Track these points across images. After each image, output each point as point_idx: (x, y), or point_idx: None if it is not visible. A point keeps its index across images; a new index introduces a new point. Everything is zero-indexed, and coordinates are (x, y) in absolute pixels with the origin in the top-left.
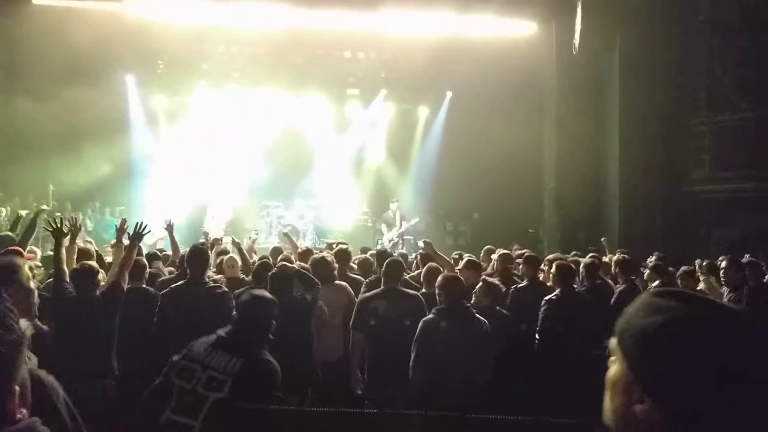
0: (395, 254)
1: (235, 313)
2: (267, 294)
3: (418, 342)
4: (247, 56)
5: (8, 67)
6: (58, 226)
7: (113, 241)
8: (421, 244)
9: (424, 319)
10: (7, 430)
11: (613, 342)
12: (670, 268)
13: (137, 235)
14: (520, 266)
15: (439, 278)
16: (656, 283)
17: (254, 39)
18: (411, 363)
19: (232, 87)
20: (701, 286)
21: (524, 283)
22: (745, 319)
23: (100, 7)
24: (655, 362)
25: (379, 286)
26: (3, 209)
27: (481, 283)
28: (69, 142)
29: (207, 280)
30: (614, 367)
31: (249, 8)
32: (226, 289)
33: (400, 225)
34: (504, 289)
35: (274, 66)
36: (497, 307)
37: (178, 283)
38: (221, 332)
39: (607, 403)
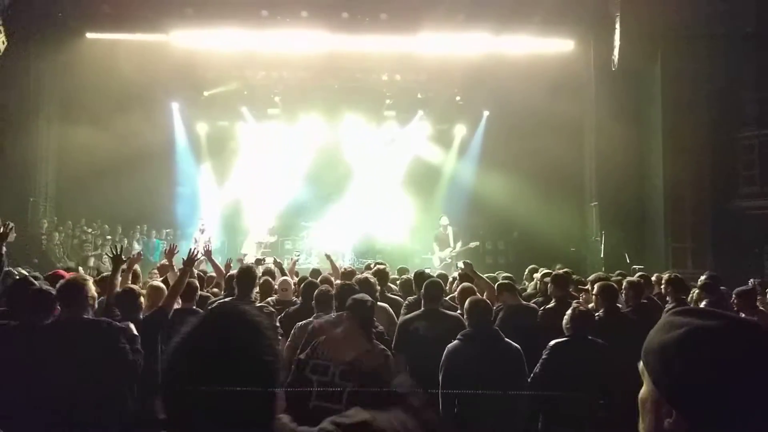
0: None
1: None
2: (366, 296)
3: (443, 369)
4: (287, 81)
5: (64, 98)
6: (118, 253)
7: (159, 263)
8: (461, 264)
9: (448, 345)
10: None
11: (640, 364)
12: (722, 287)
13: (190, 261)
14: (548, 285)
15: (467, 302)
16: (704, 303)
17: (293, 64)
18: (440, 392)
19: (272, 111)
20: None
21: (552, 304)
22: (757, 329)
23: (147, 39)
24: (674, 375)
25: (419, 307)
26: (56, 234)
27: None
28: (119, 168)
29: (254, 298)
30: (643, 388)
31: (288, 34)
32: (273, 310)
33: (454, 245)
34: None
35: (312, 90)
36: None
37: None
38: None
39: (640, 424)
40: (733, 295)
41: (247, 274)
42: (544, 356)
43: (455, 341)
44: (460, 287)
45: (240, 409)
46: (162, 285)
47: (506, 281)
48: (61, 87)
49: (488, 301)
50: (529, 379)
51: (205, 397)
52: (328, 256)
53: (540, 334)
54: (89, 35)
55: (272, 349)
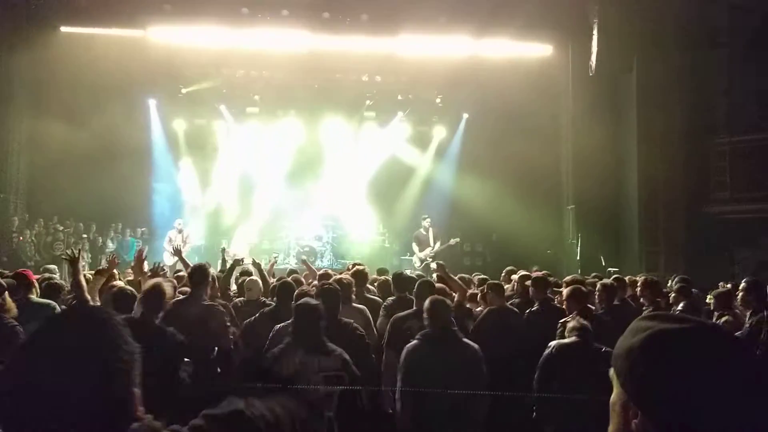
0: (425, 275)
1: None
2: (309, 299)
3: (402, 369)
4: (266, 80)
5: (37, 93)
6: (75, 255)
7: (133, 263)
8: (434, 265)
9: (407, 345)
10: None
11: (611, 369)
12: (694, 290)
13: (139, 261)
14: (530, 288)
15: (426, 301)
16: (681, 305)
17: (273, 63)
18: (397, 394)
19: (251, 110)
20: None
21: (536, 307)
22: (719, 332)
23: (124, 35)
24: (638, 377)
25: (399, 308)
26: (28, 231)
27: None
28: (93, 164)
29: (204, 297)
30: (613, 391)
31: (268, 33)
32: (222, 309)
33: (434, 244)
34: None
35: (292, 89)
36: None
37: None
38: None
39: (610, 427)
40: (711, 297)
41: (197, 271)
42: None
43: (414, 341)
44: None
45: (81, 412)
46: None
47: (494, 282)
48: (33, 81)
49: (447, 301)
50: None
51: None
52: (304, 261)
53: (529, 336)
54: (64, 29)
55: (118, 350)
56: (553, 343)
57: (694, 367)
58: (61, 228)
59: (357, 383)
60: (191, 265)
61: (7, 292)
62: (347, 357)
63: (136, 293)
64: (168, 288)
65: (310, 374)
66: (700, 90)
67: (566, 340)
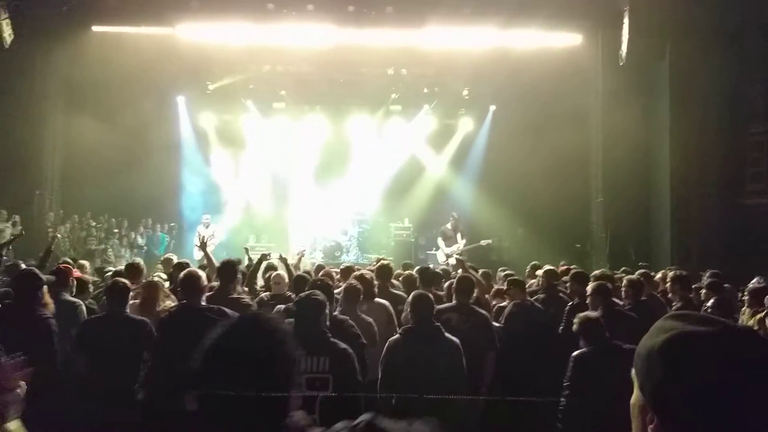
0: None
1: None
2: (315, 292)
3: (383, 363)
4: (292, 75)
5: (70, 91)
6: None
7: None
8: (452, 261)
9: (389, 339)
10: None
11: (633, 370)
12: (726, 285)
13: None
14: (568, 283)
15: (410, 296)
16: (711, 302)
17: (299, 58)
18: (378, 386)
19: (277, 105)
20: None
21: (577, 301)
22: (750, 337)
23: (153, 32)
24: (656, 380)
25: None
26: (62, 227)
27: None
28: (124, 160)
29: (233, 293)
30: (634, 393)
31: (293, 28)
32: (249, 302)
33: (460, 241)
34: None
35: (318, 84)
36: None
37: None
38: None
39: (632, 430)
40: (746, 293)
41: (225, 267)
42: (570, 371)
43: (396, 335)
44: (458, 278)
45: (258, 408)
46: (159, 281)
47: (516, 277)
48: (67, 80)
49: (431, 296)
50: (564, 393)
51: (228, 397)
52: (283, 259)
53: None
54: (95, 28)
55: (288, 356)
56: (573, 355)
57: (717, 374)
58: (94, 224)
59: (353, 386)
60: (213, 261)
61: (45, 287)
62: (351, 357)
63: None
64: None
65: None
66: (736, 78)
67: (581, 351)
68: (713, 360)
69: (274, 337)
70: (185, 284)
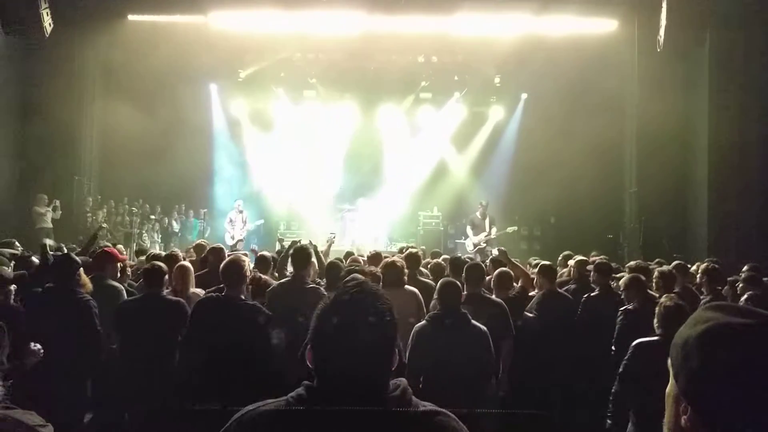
0: (477, 259)
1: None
2: (360, 277)
3: (409, 349)
4: (323, 63)
5: (107, 80)
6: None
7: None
8: (495, 252)
9: (416, 325)
10: (398, 382)
11: (669, 360)
12: (765, 279)
13: None
14: (591, 273)
15: (438, 283)
16: (747, 295)
17: (329, 46)
18: (406, 369)
19: (308, 93)
20: None
21: (596, 292)
22: None
23: (186, 21)
24: (691, 371)
25: None
26: (100, 212)
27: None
28: (159, 147)
29: (309, 281)
30: (669, 383)
31: (324, 15)
32: (318, 287)
33: (490, 230)
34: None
35: (348, 71)
36: None
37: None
38: None
39: (665, 419)
40: None
41: (299, 253)
42: (628, 356)
43: (423, 321)
44: (496, 273)
45: (367, 370)
46: (188, 264)
47: (545, 264)
48: (104, 68)
49: (458, 284)
50: (617, 382)
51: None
52: (313, 246)
53: (580, 320)
54: (131, 17)
55: (393, 328)
56: (635, 343)
57: (755, 366)
58: (132, 209)
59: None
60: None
61: (81, 269)
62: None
63: (164, 269)
64: (247, 263)
65: None
66: None
67: (648, 339)
68: (751, 352)
69: (384, 311)
70: (227, 273)
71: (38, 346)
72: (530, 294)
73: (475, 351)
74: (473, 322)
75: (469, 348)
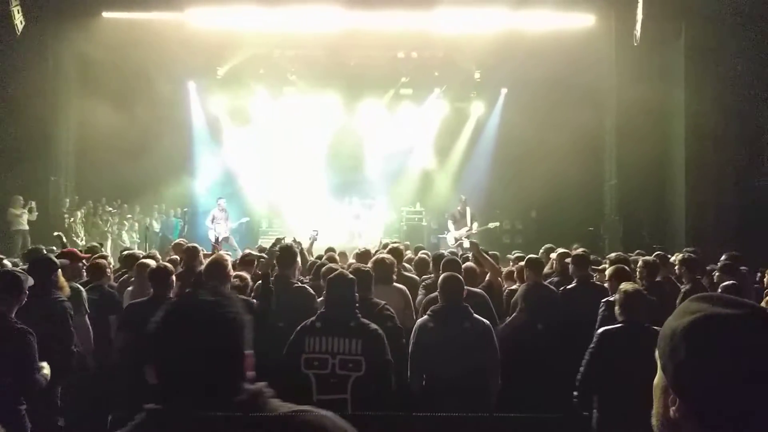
0: (459, 253)
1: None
2: (345, 272)
3: (412, 344)
4: (302, 59)
5: (83, 78)
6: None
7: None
8: (467, 244)
9: (418, 320)
10: (247, 389)
11: (656, 351)
12: (743, 268)
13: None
14: (569, 266)
15: (440, 278)
16: (723, 284)
17: (308, 42)
18: (408, 366)
19: (288, 90)
20: None
21: (574, 284)
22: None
23: (162, 18)
24: (679, 361)
25: (436, 288)
26: (78, 212)
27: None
28: (137, 146)
29: (294, 279)
30: (657, 375)
31: (302, 11)
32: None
33: (471, 224)
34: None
35: (328, 68)
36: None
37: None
38: (315, 322)
39: (653, 411)
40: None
41: (285, 252)
42: (594, 343)
43: (425, 316)
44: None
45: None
46: (151, 262)
47: (533, 257)
48: (80, 66)
49: (459, 277)
50: (580, 371)
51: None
52: (297, 243)
53: (560, 313)
54: (105, 14)
55: (231, 334)
56: (599, 331)
57: (742, 356)
58: (110, 209)
59: (387, 368)
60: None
61: (60, 270)
62: (382, 337)
63: (171, 269)
64: (230, 262)
65: (332, 355)
66: (753, 58)
67: (612, 326)
68: (739, 342)
69: (217, 323)
70: (210, 272)
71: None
72: (502, 287)
73: (478, 345)
74: (475, 315)
75: (472, 342)
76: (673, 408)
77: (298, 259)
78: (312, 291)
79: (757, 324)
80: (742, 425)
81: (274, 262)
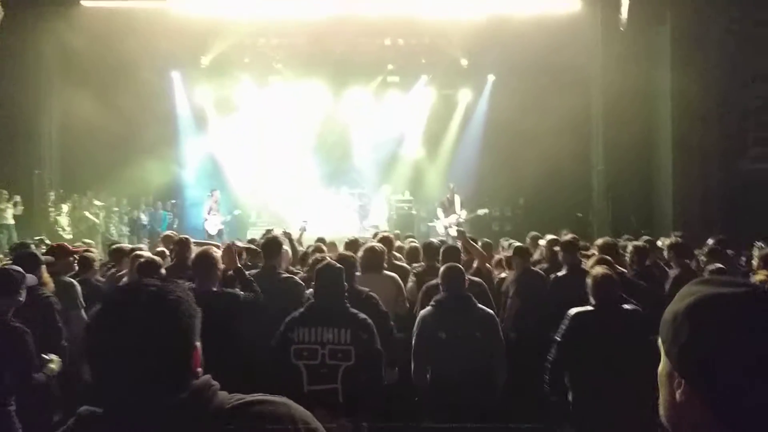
0: (449, 241)
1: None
2: (333, 262)
3: (416, 334)
4: (288, 47)
5: (65, 70)
6: None
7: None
8: (453, 232)
9: (421, 312)
10: (192, 383)
11: (658, 337)
12: (729, 251)
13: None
14: (559, 252)
15: (442, 268)
16: (712, 267)
17: (294, 30)
18: (412, 357)
19: (274, 78)
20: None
21: (564, 271)
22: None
23: (145, 6)
24: (682, 343)
25: (428, 276)
26: (64, 206)
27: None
28: (123, 138)
29: (281, 270)
30: (661, 361)
31: None
32: (300, 282)
33: (460, 212)
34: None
35: (314, 56)
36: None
37: None
38: (303, 313)
39: (660, 399)
40: (756, 258)
41: (269, 243)
42: (566, 326)
43: (428, 307)
44: (442, 251)
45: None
46: (159, 260)
47: (520, 245)
48: (61, 57)
49: (461, 267)
50: (551, 355)
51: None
52: (287, 234)
53: (552, 300)
54: (84, 3)
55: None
56: (571, 313)
57: (745, 334)
58: (96, 202)
59: (377, 357)
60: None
61: (44, 266)
62: (371, 325)
63: (160, 263)
64: (219, 255)
65: (322, 345)
66: (738, 42)
67: (583, 309)
68: (740, 320)
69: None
70: (198, 265)
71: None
72: (492, 274)
73: (483, 334)
74: (479, 305)
75: (476, 332)
76: (679, 391)
77: (285, 249)
78: (300, 281)
79: (758, 301)
80: (748, 403)
81: (261, 253)
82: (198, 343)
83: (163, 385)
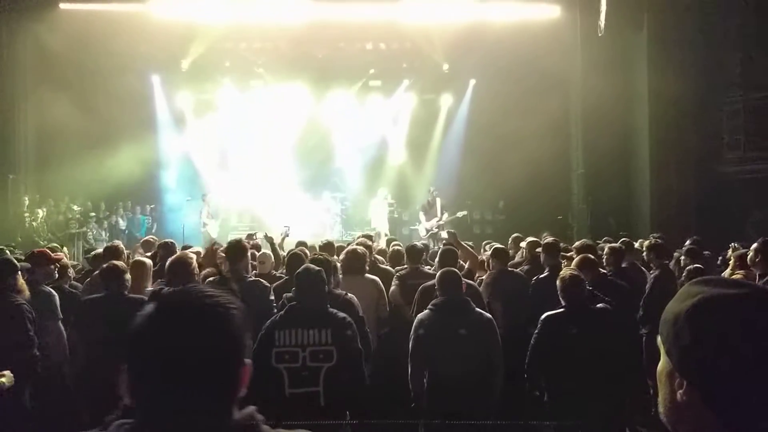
0: (431, 245)
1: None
2: (311, 265)
3: (413, 338)
4: (269, 52)
5: (41, 73)
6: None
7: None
8: (444, 234)
9: (418, 316)
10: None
11: (659, 337)
12: (706, 252)
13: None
14: (541, 254)
15: (438, 272)
16: (689, 268)
17: (275, 34)
18: (409, 361)
19: (255, 82)
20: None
21: (546, 273)
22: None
23: (123, 9)
24: (684, 344)
25: (412, 278)
26: (40, 211)
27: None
28: (100, 142)
29: (246, 274)
30: (660, 360)
31: (269, 3)
32: (267, 284)
33: (441, 215)
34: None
35: (295, 60)
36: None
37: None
38: (281, 315)
39: (659, 398)
40: (732, 258)
41: (234, 247)
42: (538, 329)
43: (426, 310)
44: (440, 251)
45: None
46: (147, 260)
47: (498, 247)
48: (37, 60)
49: (457, 272)
50: (527, 356)
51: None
52: (269, 238)
53: (534, 302)
54: (63, 5)
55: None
56: (543, 316)
57: (746, 335)
58: (74, 207)
59: (358, 356)
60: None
61: (19, 273)
62: (351, 324)
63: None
64: (194, 258)
65: (302, 348)
66: (713, 47)
67: (554, 311)
68: (742, 321)
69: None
70: (174, 269)
71: None
72: (480, 277)
73: (482, 339)
74: (477, 309)
75: (474, 336)
76: (680, 392)
77: (267, 253)
78: (266, 283)
79: (759, 302)
80: (749, 404)
81: (225, 257)
82: (248, 361)
83: (212, 407)
